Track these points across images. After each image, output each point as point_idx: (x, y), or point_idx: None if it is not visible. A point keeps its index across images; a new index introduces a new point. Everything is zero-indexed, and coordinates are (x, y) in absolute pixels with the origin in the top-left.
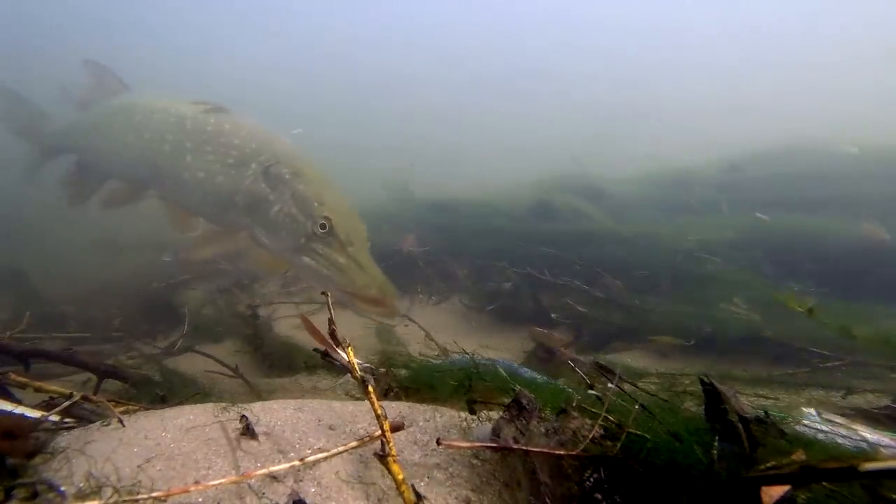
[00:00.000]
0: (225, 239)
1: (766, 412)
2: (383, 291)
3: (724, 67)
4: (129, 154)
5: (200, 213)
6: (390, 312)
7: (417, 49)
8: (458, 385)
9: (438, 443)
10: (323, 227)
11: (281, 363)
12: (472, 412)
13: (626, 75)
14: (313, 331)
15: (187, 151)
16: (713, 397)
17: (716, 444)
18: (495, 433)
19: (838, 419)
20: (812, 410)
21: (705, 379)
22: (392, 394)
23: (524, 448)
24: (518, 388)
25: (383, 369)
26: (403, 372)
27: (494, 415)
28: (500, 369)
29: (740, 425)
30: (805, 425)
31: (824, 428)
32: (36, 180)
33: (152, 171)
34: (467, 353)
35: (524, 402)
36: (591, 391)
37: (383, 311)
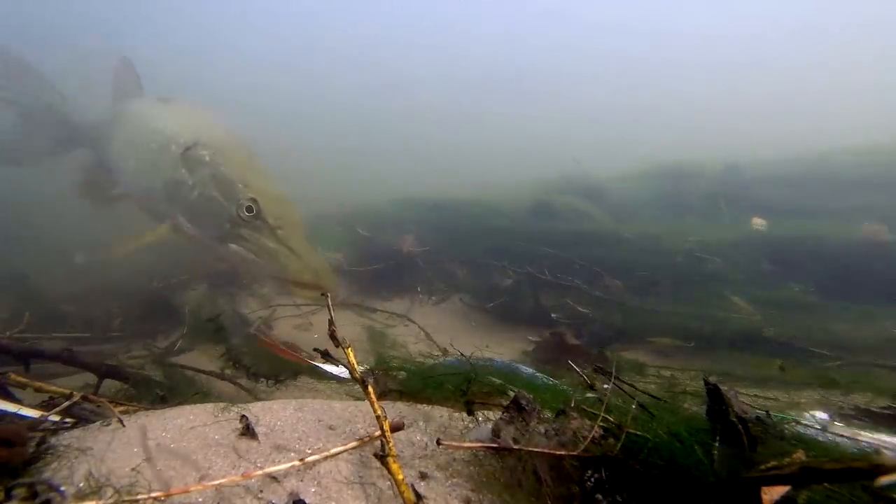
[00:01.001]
0: (147, 232)
1: (768, 412)
2: (319, 275)
3: (723, 67)
4: (115, 157)
5: (140, 207)
6: (325, 291)
7: (417, 49)
8: (458, 386)
9: (438, 443)
10: (249, 209)
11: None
12: (470, 413)
13: (626, 75)
14: (272, 346)
15: (130, 144)
16: (716, 397)
17: (716, 444)
18: (495, 434)
19: (843, 429)
20: (821, 413)
21: (709, 379)
22: (391, 394)
23: (524, 449)
24: (517, 389)
25: (381, 370)
26: (403, 373)
27: (494, 416)
28: (499, 370)
29: (741, 425)
30: (805, 425)
31: (824, 428)
32: (34, 179)
33: (119, 171)
34: (464, 356)
35: (523, 402)
36: (590, 391)
37: (322, 295)
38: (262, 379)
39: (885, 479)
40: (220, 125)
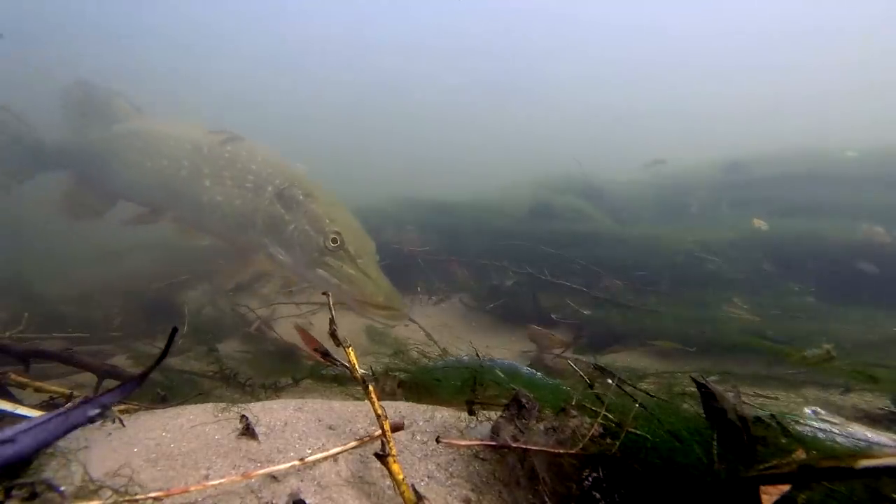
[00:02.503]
0: (249, 263)
1: (771, 414)
2: (390, 299)
3: (724, 67)
4: (144, 178)
5: (217, 234)
6: (398, 317)
7: (417, 50)
8: (459, 386)
9: (438, 441)
10: (334, 241)
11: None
12: (472, 413)
13: (626, 75)
14: (309, 340)
15: (205, 177)
16: (708, 397)
17: (715, 443)
18: (495, 432)
19: (835, 419)
20: (811, 409)
21: (699, 379)
22: (391, 394)
23: (523, 446)
24: (517, 388)
25: (381, 369)
26: (403, 373)
27: (494, 415)
28: (500, 371)
29: (740, 425)
30: (805, 424)
31: (824, 427)
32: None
33: (168, 195)
34: (466, 356)
35: (523, 401)
36: (590, 389)
37: (390, 316)
38: (249, 387)
39: (865, 462)
40: (298, 166)
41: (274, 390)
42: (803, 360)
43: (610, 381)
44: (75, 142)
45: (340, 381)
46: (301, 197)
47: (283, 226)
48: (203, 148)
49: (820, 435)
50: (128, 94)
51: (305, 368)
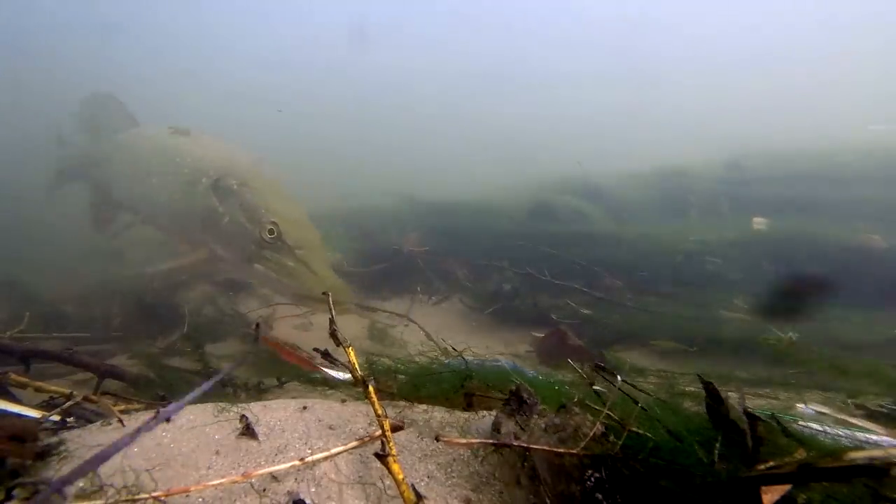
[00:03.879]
0: (183, 255)
1: (773, 414)
2: (333, 292)
3: (724, 66)
4: (126, 185)
5: (169, 233)
6: (342, 310)
7: (416, 46)
8: (459, 384)
9: (437, 439)
10: (271, 232)
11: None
12: (470, 405)
13: (626, 74)
14: (279, 348)
15: (154, 174)
16: (714, 397)
17: (717, 443)
18: (495, 428)
19: (828, 409)
20: (804, 406)
21: (706, 379)
22: (391, 394)
23: (524, 445)
24: (519, 381)
25: (383, 369)
26: (402, 373)
27: (494, 414)
28: (500, 369)
29: (741, 425)
30: (805, 425)
31: (825, 428)
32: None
33: (134, 198)
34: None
35: (524, 395)
36: (590, 388)
37: (336, 311)
38: (241, 391)
39: (854, 455)
40: (243, 154)
41: (258, 392)
42: (767, 343)
43: (611, 382)
44: (88, 152)
45: (331, 384)
46: (235, 187)
47: (218, 219)
48: (152, 146)
49: (820, 434)
50: (125, 100)
51: (294, 370)
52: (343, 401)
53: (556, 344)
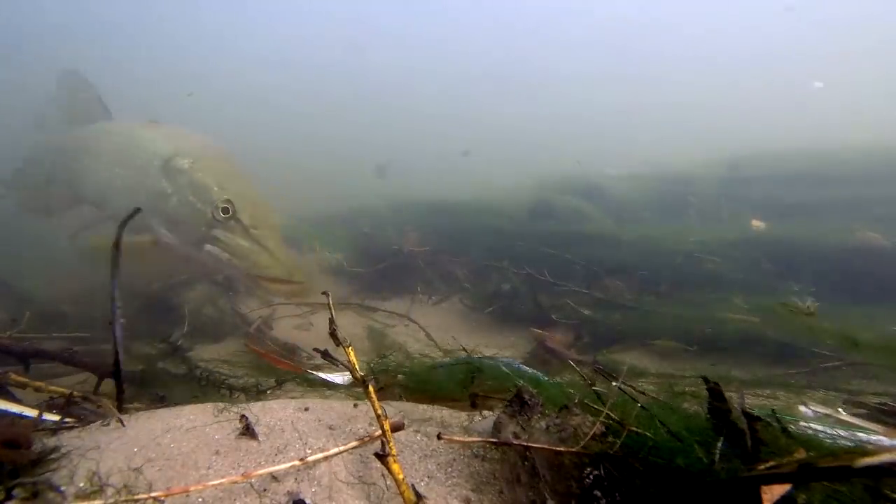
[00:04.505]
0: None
1: (773, 411)
2: (289, 272)
3: (723, 65)
4: (91, 180)
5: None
6: (299, 291)
7: (415, 45)
8: (460, 384)
9: (439, 437)
10: (225, 210)
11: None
12: (474, 406)
13: (626, 73)
14: (265, 356)
15: (114, 164)
16: (716, 396)
17: (718, 443)
18: (497, 429)
19: (829, 410)
20: (806, 408)
21: (709, 379)
22: (391, 394)
23: (524, 444)
24: (521, 383)
25: (382, 369)
26: (402, 372)
27: (495, 413)
28: (503, 367)
29: (742, 425)
30: (806, 425)
31: (826, 428)
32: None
33: (98, 194)
34: (470, 354)
35: (526, 397)
36: (593, 388)
37: (290, 291)
38: (237, 393)
39: (864, 461)
40: (198, 136)
41: (256, 393)
42: (790, 311)
43: (612, 383)
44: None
45: (330, 384)
46: (186, 166)
47: (165, 200)
48: (113, 136)
49: (820, 434)
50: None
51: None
52: (355, 405)
53: (548, 352)
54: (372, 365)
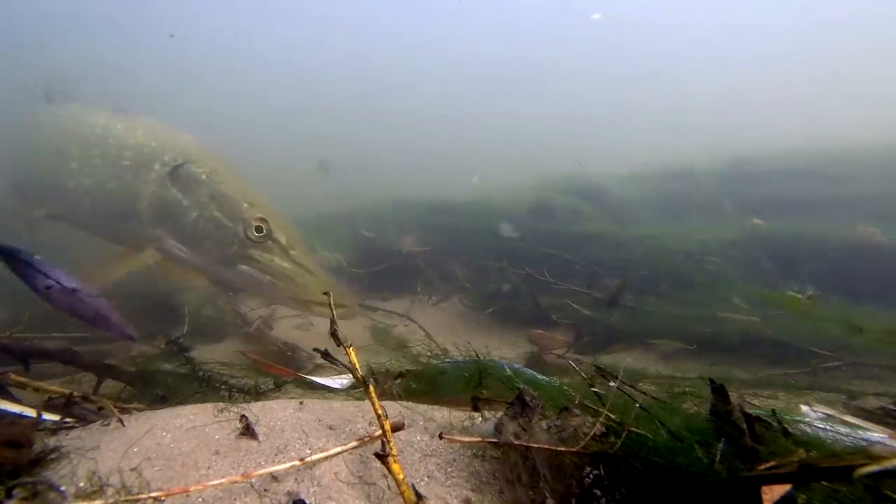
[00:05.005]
0: (126, 260)
1: (774, 411)
2: (337, 296)
3: (724, 64)
4: (26, 171)
5: (91, 227)
6: (348, 314)
7: (416, 46)
8: (460, 385)
9: (440, 437)
10: (259, 229)
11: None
12: (476, 409)
13: (626, 73)
14: (260, 363)
15: (72, 159)
16: (721, 396)
17: (719, 443)
18: (498, 430)
19: (832, 411)
20: (809, 408)
21: (713, 379)
22: (392, 394)
23: (525, 444)
24: (522, 385)
25: (383, 370)
26: (402, 376)
27: (498, 414)
28: (504, 369)
29: (743, 425)
30: (807, 425)
31: (826, 427)
32: None
33: (37, 187)
34: (467, 357)
35: (527, 399)
36: (593, 390)
37: (339, 315)
38: (236, 392)
39: (867, 469)
40: (191, 137)
41: (255, 394)
42: (792, 302)
43: (612, 382)
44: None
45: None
46: (203, 177)
47: (181, 214)
48: (69, 123)
49: (820, 434)
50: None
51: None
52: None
53: (548, 353)
54: (371, 367)
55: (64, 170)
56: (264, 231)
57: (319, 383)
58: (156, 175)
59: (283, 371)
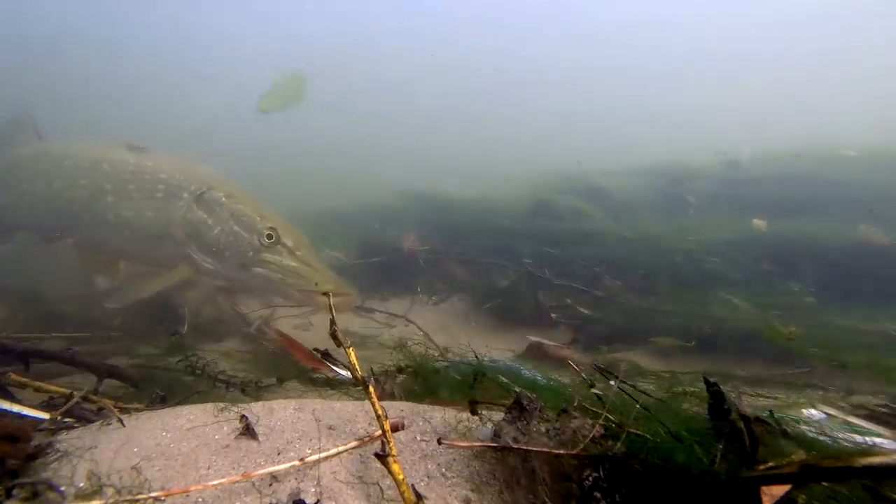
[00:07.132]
0: (164, 275)
1: (771, 412)
2: (339, 286)
3: (723, 64)
4: (38, 204)
5: (127, 254)
6: (348, 303)
7: (415, 45)
8: (460, 385)
9: (440, 442)
10: (269, 237)
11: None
12: (474, 413)
13: (625, 72)
14: (294, 346)
15: (107, 193)
16: (717, 397)
17: (719, 444)
18: (496, 434)
19: (834, 411)
20: (812, 410)
21: (710, 379)
22: (391, 394)
23: (524, 448)
24: (519, 389)
25: (383, 370)
26: (402, 374)
27: (496, 415)
28: (501, 370)
29: (742, 425)
30: (807, 425)
31: (824, 426)
32: None
33: (67, 219)
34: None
35: (525, 402)
36: (592, 390)
37: (341, 303)
38: (232, 388)
39: (865, 461)
40: (210, 170)
41: (256, 390)
42: (774, 334)
43: (612, 382)
44: None
45: (332, 384)
46: (223, 199)
47: (206, 231)
48: (104, 164)
49: (820, 434)
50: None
51: (295, 369)
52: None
53: (547, 354)
54: (371, 367)
55: (100, 204)
56: (274, 238)
57: (337, 371)
58: (184, 202)
59: (308, 356)
